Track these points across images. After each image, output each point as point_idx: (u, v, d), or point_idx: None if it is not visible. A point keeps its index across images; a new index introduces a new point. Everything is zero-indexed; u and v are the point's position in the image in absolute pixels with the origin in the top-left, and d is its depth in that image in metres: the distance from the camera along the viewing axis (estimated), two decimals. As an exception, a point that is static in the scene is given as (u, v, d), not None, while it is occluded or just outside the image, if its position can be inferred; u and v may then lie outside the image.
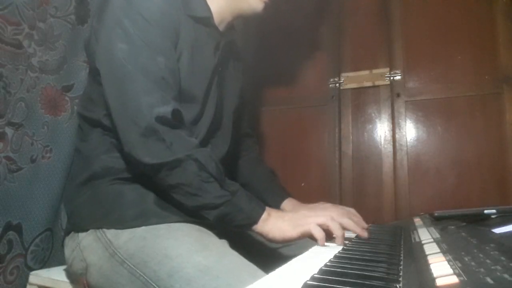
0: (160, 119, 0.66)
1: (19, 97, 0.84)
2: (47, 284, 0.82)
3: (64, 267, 0.90)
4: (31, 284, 0.83)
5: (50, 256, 0.93)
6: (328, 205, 0.81)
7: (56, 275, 0.83)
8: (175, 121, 0.68)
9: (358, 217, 0.81)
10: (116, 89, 0.69)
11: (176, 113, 0.68)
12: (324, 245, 0.65)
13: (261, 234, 0.69)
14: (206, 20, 0.81)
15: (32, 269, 0.87)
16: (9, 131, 0.82)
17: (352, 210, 0.83)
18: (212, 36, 0.82)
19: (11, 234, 0.83)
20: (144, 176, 0.71)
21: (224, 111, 0.88)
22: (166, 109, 0.67)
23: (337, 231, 0.66)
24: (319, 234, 0.65)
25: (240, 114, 0.98)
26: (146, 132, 0.65)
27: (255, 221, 0.68)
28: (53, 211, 0.91)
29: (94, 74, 0.75)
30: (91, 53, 0.77)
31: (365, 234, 0.69)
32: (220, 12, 0.84)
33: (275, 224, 0.68)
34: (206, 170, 0.66)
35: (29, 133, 0.87)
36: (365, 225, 0.75)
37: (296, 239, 0.68)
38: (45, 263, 0.91)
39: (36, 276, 0.83)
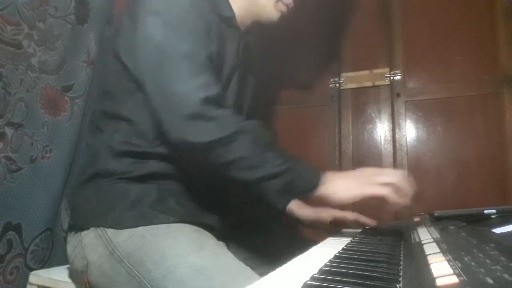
0: (208, 100, 0.66)
1: (18, 97, 0.84)
2: (47, 284, 0.82)
3: (64, 267, 0.90)
4: (31, 284, 0.83)
5: (50, 256, 0.93)
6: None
7: (56, 275, 0.83)
8: (221, 102, 0.68)
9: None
10: (159, 75, 0.69)
11: (221, 94, 0.69)
12: (402, 202, 0.64)
13: (325, 197, 0.68)
14: (229, 20, 0.82)
15: (31, 269, 0.87)
16: (8, 131, 0.82)
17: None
18: (234, 36, 0.83)
19: (11, 234, 0.83)
20: (150, 176, 0.71)
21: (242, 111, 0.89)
22: (213, 91, 0.67)
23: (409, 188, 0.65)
24: (394, 197, 0.63)
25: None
26: (195, 113, 0.65)
27: (317, 184, 0.67)
28: (52, 211, 0.91)
29: (116, 69, 0.76)
30: (117, 47, 0.77)
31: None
32: (240, 15, 0.85)
33: (339, 184, 0.67)
34: (262, 140, 0.66)
35: (28, 133, 0.87)
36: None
37: (363, 197, 0.66)
38: (44, 263, 0.91)
39: (36, 276, 0.83)
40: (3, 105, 0.80)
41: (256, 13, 0.87)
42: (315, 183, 0.67)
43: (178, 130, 0.67)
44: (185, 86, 0.67)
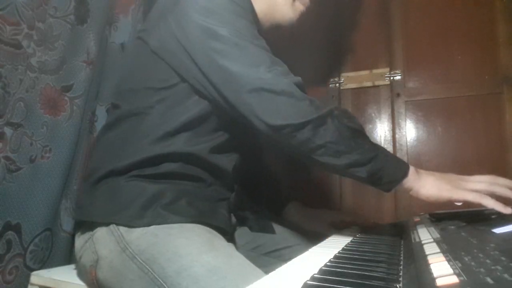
0: (297, 84, 0.66)
1: (18, 97, 0.84)
2: (48, 285, 0.81)
3: (66, 267, 0.90)
4: (33, 284, 0.83)
5: (49, 256, 0.93)
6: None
7: (58, 275, 0.83)
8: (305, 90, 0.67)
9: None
10: (237, 62, 0.66)
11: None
12: (508, 212, 0.60)
13: (411, 189, 0.67)
14: (257, 24, 0.81)
15: (31, 269, 0.87)
16: (8, 131, 0.82)
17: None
18: None
19: (10, 234, 0.83)
20: (165, 175, 0.70)
21: None
22: (298, 78, 0.67)
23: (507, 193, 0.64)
24: (492, 202, 0.61)
25: None
26: (288, 92, 0.64)
27: (404, 175, 0.65)
28: (52, 211, 0.91)
29: (148, 67, 0.76)
30: (154, 46, 0.76)
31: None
32: (260, 19, 0.86)
33: (428, 180, 0.66)
34: (350, 125, 0.65)
35: (28, 133, 0.86)
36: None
37: (453, 201, 0.65)
38: (44, 263, 0.91)
39: (37, 277, 0.83)
40: (2, 105, 0.80)
41: (274, 16, 0.86)
42: (402, 174, 0.66)
43: (268, 112, 0.64)
44: (270, 71, 0.65)
